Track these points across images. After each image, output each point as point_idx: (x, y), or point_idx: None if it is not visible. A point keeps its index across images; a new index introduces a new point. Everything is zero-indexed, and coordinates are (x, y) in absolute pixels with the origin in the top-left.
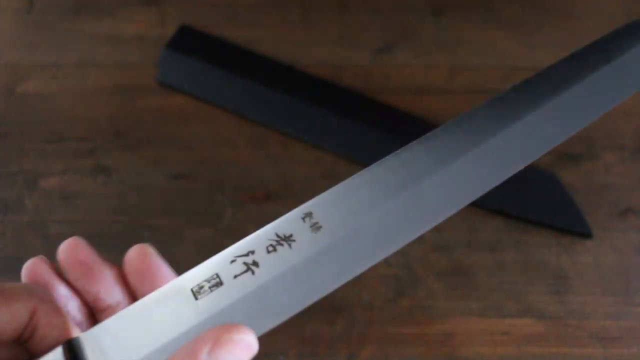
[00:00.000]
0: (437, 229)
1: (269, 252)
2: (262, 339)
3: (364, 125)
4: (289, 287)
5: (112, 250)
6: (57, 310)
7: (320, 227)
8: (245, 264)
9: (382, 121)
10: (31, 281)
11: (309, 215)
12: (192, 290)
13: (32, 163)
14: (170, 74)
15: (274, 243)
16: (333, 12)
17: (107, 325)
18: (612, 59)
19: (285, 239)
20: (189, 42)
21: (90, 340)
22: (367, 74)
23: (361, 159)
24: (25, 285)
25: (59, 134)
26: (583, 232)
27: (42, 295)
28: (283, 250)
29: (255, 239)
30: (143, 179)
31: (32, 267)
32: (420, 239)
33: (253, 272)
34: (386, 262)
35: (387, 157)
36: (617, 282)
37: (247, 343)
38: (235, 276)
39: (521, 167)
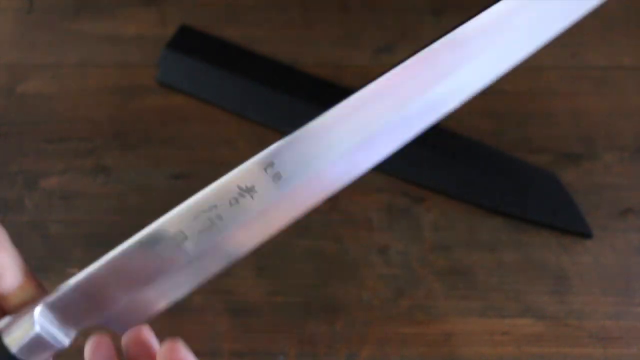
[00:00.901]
0: (436, 229)
1: (231, 205)
2: (262, 339)
3: None
4: (249, 233)
5: (112, 250)
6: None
7: (281, 176)
8: (209, 219)
9: None
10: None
11: (270, 165)
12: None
13: (32, 163)
14: (170, 74)
15: (236, 196)
16: (333, 12)
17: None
18: None
19: (247, 191)
20: (189, 42)
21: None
22: (367, 74)
23: None
24: None
25: (59, 134)
26: (583, 232)
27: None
28: (245, 201)
29: (217, 192)
30: (143, 179)
31: (96, 343)
32: (419, 239)
33: (216, 225)
34: (386, 261)
35: (340, 104)
36: (617, 282)
37: None
38: (200, 231)
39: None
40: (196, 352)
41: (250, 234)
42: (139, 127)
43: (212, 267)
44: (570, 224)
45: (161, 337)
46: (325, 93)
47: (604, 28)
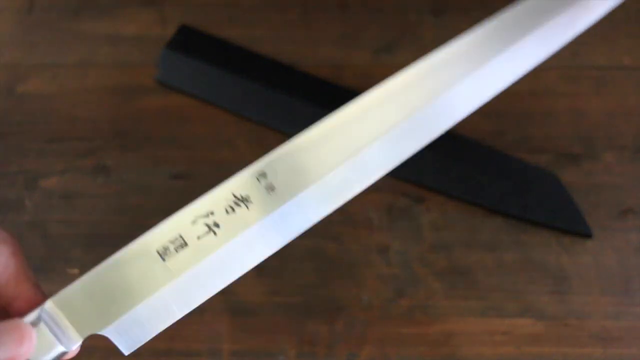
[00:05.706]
0: (436, 229)
1: (227, 213)
2: (262, 339)
3: None
4: (248, 246)
5: (112, 250)
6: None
7: (274, 188)
8: (206, 225)
9: None
10: None
11: (262, 175)
12: (157, 251)
13: (32, 163)
14: (170, 74)
15: (232, 204)
16: (333, 12)
17: (75, 286)
18: None
19: (243, 200)
20: (189, 42)
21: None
22: (367, 74)
23: None
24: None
25: (59, 134)
26: (583, 232)
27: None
28: (241, 211)
29: (213, 199)
30: (143, 179)
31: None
32: (419, 239)
33: (215, 234)
34: (386, 261)
35: (331, 117)
36: (617, 282)
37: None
38: (199, 237)
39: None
40: (196, 352)
41: (249, 247)
42: (139, 127)
43: (215, 279)
44: (570, 224)
45: (161, 337)
46: (325, 93)
47: (604, 28)
